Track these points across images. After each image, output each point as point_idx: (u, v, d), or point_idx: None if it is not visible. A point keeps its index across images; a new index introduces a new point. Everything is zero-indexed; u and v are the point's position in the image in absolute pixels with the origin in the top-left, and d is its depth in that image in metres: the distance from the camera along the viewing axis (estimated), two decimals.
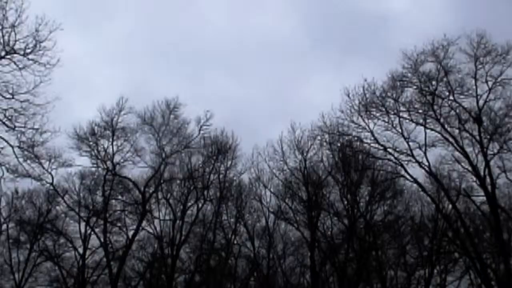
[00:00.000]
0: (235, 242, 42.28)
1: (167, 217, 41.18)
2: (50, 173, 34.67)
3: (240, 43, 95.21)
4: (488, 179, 31.17)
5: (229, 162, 41.83)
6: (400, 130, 33.28)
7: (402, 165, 33.73)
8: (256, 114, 71.97)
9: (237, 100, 75.47)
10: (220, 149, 41.44)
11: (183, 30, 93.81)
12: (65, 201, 39.89)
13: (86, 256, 39.92)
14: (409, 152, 33.03)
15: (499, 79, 31.11)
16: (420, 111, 33.18)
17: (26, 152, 27.24)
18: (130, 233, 39.62)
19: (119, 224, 41.10)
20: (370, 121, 33.76)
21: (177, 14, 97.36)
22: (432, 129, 32.95)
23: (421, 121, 33.06)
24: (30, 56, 24.09)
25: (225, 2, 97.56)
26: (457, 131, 32.64)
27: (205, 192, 41.27)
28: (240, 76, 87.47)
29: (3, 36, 23.58)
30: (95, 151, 38.43)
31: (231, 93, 77.52)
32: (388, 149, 33.79)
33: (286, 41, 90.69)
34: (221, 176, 41.74)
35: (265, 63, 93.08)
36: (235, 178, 42.19)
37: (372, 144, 34.47)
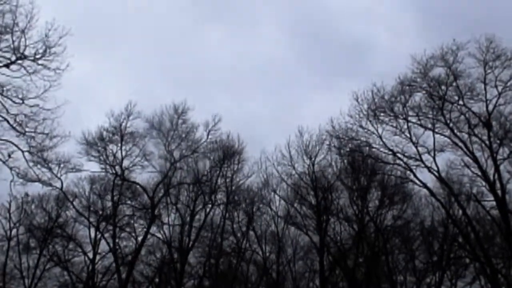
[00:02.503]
0: (246, 246, 42.20)
1: (175, 222, 41.29)
2: (59, 178, 34.49)
3: (238, 64, 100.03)
4: (498, 184, 30.93)
5: (236, 166, 41.95)
6: (408, 135, 33.21)
7: (411, 170, 33.59)
8: (254, 131, 72.52)
9: (235, 118, 76.59)
10: (227, 153, 41.46)
11: (186, 54, 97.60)
12: (74, 206, 39.99)
13: (96, 261, 40.09)
14: (418, 157, 32.89)
15: (508, 83, 30.91)
16: (429, 115, 33.06)
17: (35, 157, 27.46)
18: (139, 238, 39.85)
19: (128, 229, 41.27)
20: (378, 126, 33.75)
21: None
22: (441, 134, 32.88)
23: (430, 125, 32.95)
24: (40, 61, 24.29)
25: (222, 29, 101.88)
26: (466, 136, 32.42)
27: (213, 197, 41.31)
28: (239, 95, 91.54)
29: (13, 41, 23.79)
30: (104, 156, 38.46)
31: (230, 112, 79.56)
32: (397, 154, 33.67)
33: (279, 62, 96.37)
34: (227, 180, 41.79)
35: (262, 82, 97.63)
36: (241, 182, 42.15)
37: (380, 149, 34.44)
